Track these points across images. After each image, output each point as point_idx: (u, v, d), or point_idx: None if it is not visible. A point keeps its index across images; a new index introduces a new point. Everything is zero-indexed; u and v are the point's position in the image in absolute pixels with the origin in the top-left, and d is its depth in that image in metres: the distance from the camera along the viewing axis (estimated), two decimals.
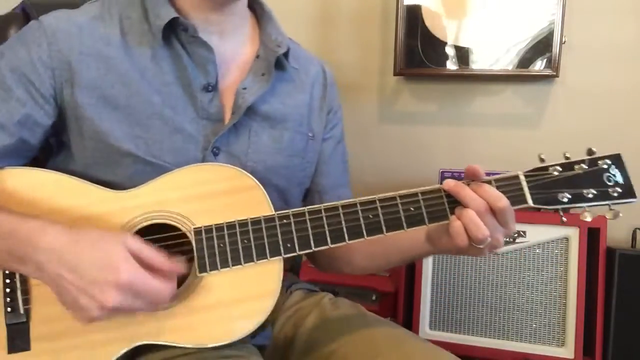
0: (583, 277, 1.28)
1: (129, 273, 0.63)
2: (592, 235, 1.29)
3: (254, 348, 0.81)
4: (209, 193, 0.74)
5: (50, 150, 0.84)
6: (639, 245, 1.38)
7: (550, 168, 0.71)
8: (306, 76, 0.92)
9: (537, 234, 1.31)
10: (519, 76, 1.43)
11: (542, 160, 0.72)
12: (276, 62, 0.84)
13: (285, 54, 0.85)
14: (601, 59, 1.41)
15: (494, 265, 1.34)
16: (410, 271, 1.40)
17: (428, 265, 1.38)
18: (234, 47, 0.85)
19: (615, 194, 0.70)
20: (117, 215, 0.73)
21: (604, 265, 1.28)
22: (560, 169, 0.70)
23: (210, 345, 0.70)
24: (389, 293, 1.42)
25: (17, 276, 0.71)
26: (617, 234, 1.40)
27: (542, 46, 1.37)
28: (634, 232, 1.39)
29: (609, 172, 0.70)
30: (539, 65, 1.38)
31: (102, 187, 0.75)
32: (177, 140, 0.77)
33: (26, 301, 0.71)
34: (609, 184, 0.70)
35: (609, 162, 0.71)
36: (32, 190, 0.74)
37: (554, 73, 1.36)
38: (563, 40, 1.34)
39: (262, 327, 0.72)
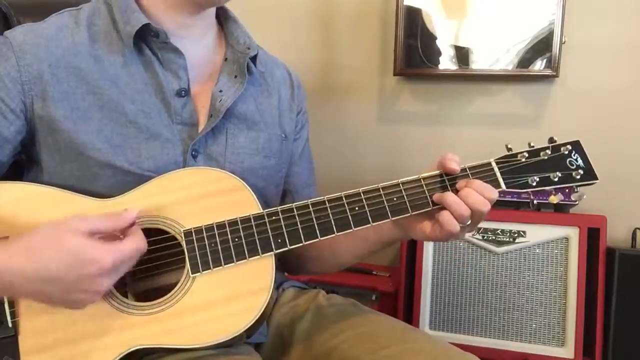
0: (583, 277, 1.28)
1: (107, 257, 0.63)
2: (592, 235, 1.29)
3: (249, 346, 0.81)
4: (197, 196, 0.74)
5: (18, 168, 0.82)
6: (639, 245, 1.38)
7: (519, 155, 0.77)
8: (272, 79, 0.93)
9: (537, 234, 1.32)
10: (519, 76, 1.43)
11: (509, 149, 0.78)
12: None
13: (253, 58, 0.87)
14: (601, 59, 1.41)
15: (494, 265, 1.34)
16: (410, 271, 1.40)
17: (428, 265, 1.38)
18: (203, 51, 0.85)
19: (578, 177, 0.76)
20: None
21: (604, 265, 1.28)
22: (527, 155, 0.77)
23: (206, 344, 0.70)
24: (389, 293, 1.42)
25: None
26: (617, 234, 1.40)
27: (542, 46, 1.36)
28: (634, 232, 1.39)
29: (571, 157, 0.77)
30: (539, 65, 1.38)
31: (86, 196, 0.74)
32: (155, 146, 0.77)
33: (14, 314, 0.70)
34: (572, 167, 0.77)
35: (569, 147, 0.77)
36: (16, 203, 0.72)
37: (554, 73, 1.36)
38: (563, 40, 1.34)
39: (258, 324, 0.72)
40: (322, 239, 0.73)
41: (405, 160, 1.59)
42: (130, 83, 0.78)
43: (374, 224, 0.74)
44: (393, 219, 0.75)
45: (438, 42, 1.43)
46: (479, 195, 0.73)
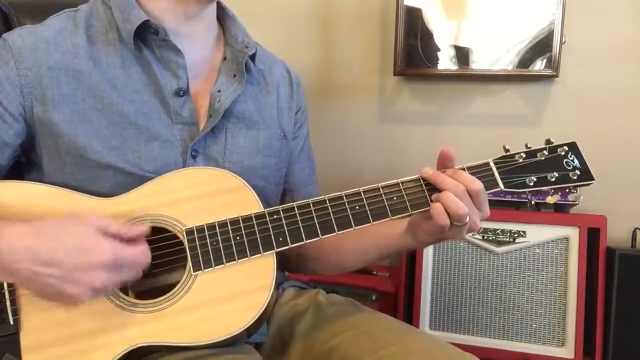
0: (583, 277, 1.28)
1: (109, 250, 0.64)
2: (592, 235, 1.29)
3: (250, 346, 0.81)
4: (198, 195, 0.74)
5: (18, 169, 0.82)
6: (639, 245, 1.38)
7: (516, 155, 0.78)
8: (271, 77, 0.93)
9: (537, 234, 1.32)
10: (519, 76, 1.43)
11: (507, 150, 0.79)
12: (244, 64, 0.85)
13: (252, 56, 0.86)
14: (601, 59, 1.41)
15: (494, 265, 1.34)
16: (410, 271, 1.40)
17: (428, 265, 1.38)
18: (202, 50, 0.85)
19: (575, 177, 0.77)
20: None
21: (604, 265, 1.28)
22: (525, 156, 0.78)
23: (207, 342, 0.70)
24: (389, 293, 1.42)
25: (5, 286, 0.70)
26: (617, 234, 1.40)
27: (542, 46, 1.37)
28: (634, 232, 1.39)
29: (567, 158, 0.78)
30: (539, 65, 1.38)
31: (88, 195, 0.74)
32: (155, 147, 0.77)
33: (15, 311, 0.70)
34: (568, 168, 0.78)
35: (566, 148, 0.78)
36: (18, 201, 0.72)
37: (554, 73, 1.37)
38: (563, 40, 1.35)
39: (259, 323, 0.72)
40: (322, 237, 0.74)
41: (405, 160, 1.59)
42: (129, 84, 0.78)
43: (374, 222, 0.75)
44: (393, 218, 0.75)
45: (438, 42, 1.43)
46: (467, 174, 0.74)
